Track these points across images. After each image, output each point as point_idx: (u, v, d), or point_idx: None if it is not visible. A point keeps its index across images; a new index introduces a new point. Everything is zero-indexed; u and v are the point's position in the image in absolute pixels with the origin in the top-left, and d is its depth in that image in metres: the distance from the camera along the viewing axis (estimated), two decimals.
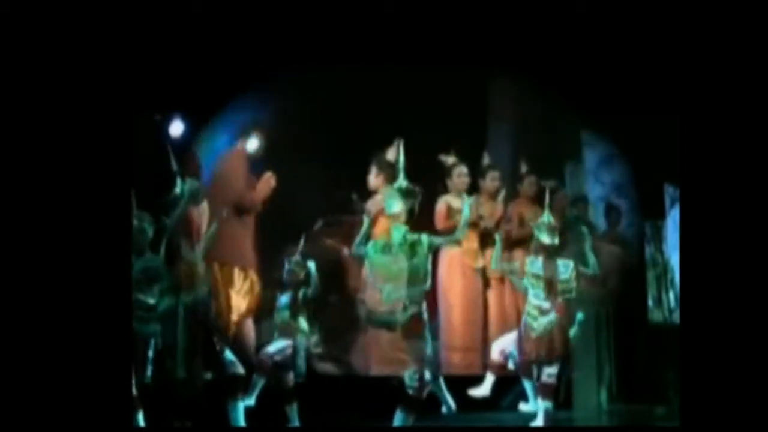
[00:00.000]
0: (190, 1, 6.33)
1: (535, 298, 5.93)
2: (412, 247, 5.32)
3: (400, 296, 5.35)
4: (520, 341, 5.98)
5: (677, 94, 4.65)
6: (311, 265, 6.21)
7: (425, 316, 5.41)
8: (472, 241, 7.43)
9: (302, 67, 7.12)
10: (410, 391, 5.39)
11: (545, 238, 5.98)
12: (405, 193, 5.47)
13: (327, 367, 7.16)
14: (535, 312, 5.93)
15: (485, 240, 7.53)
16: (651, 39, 6.77)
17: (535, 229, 6.09)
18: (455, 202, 7.35)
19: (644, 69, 7.54)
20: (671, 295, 10.30)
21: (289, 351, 6.08)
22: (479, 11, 6.90)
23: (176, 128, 7.40)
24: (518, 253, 7.32)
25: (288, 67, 7.07)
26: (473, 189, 7.53)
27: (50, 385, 4.02)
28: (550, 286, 5.91)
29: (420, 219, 5.75)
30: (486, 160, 7.75)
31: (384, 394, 6.11)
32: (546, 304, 5.91)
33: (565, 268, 5.97)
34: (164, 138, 6.93)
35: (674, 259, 10.27)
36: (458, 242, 6.48)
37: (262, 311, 6.88)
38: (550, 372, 5.92)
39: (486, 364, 6.68)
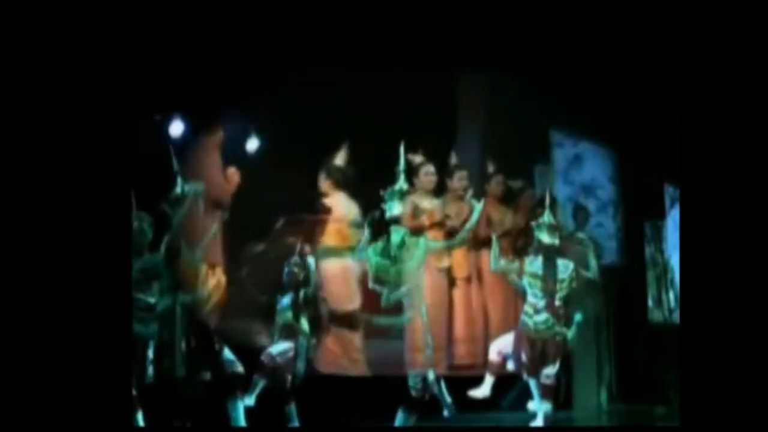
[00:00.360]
0: (190, 1, 6.33)
1: (533, 297, 5.91)
2: (410, 250, 5.35)
3: (398, 299, 5.38)
4: (518, 341, 5.97)
5: (677, 93, 4.65)
6: (311, 264, 6.22)
7: (425, 318, 5.41)
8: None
9: (301, 67, 7.11)
10: (413, 393, 5.39)
11: (545, 238, 5.96)
12: (404, 195, 5.52)
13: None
14: (531, 311, 5.91)
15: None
16: (651, 39, 6.77)
17: (535, 229, 6.07)
18: (422, 202, 7.24)
19: (644, 69, 7.55)
20: (671, 295, 10.31)
21: (291, 353, 6.08)
22: (479, 11, 6.89)
23: (176, 128, 7.39)
24: (485, 253, 7.25)
25: (288, 66, 7.07)
26: (440, 188, 7.43)
27: (50, 385, 4.02)
28: (548, 285, 5.88)
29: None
30: (453, 159, 7.61)
31: (383, 394, 6.13)
32: (542, 303, 5.88)
33: (565, 268, 5.94)
34: (165, 138, 6.93)
35: (674, 259, 10.28)
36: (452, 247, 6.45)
37: (263, 312, 6.87)
38: (548, 373, 5.90)
39: (467, 364, 6.69)
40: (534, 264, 5.92)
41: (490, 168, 7.73)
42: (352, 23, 6.79)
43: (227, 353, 5.65)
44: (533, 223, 6.16)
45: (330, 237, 7.06)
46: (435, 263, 7.33)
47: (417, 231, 5.97)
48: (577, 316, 6.07)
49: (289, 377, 6.07)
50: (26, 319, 4.02)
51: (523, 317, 5.96)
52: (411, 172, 7.25)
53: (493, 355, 6.17)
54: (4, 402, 3.95)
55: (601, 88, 8.43)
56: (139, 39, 4.77)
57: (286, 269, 6.33)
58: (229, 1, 6.55)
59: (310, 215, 6.99)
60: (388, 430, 5.66)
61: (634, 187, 9.68)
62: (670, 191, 10.38)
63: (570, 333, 5.99)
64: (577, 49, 7.30)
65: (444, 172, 7.51)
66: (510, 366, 6.09)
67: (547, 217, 6.06)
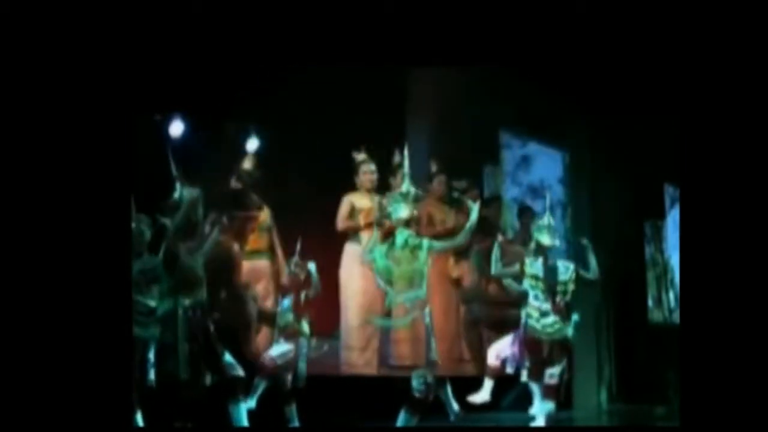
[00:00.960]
0: (190, 1, 6.32)
1: (535, 300, 5.89)
2: (413, 252, 5.39)
3: (401, 300, 5.41)
4: (522, 344, 5.95)
5: (677, 93, 4.65)
6: (311, 266, 6.22)
7: (427, 320, 5.44)
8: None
9: (302, 66, 7.12)
10: (417, 394, 5.40)
11: (545, 240, 5.95)
12: (410, 198, 5.55)
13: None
14: (536, 314, 5.88)
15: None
16: (651, 39, 6.76)
17: (534, 231, 6.07)
18: (360, 202, 7.19)
19: (645, 68, 7.55)
20: (671, 295, 10.33)
21: (292, 355, 6.08)
22: (479, 10, 6.89)
23: (176, 128, 7.39)
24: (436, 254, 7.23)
25: (289, 66, 7.07)
26: (383, 187, 7.35)
27: (50, 388, 4.02)
28: (550, 287, 5.87)
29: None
30: (397, 158, 7.48)
31: (383, 394, 6.13)
32: (546, 306, 5.87)
33: (566, 269, 5.93)
34: (164, 141, 6.92)
35: (674, 259, 10.29)
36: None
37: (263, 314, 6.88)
38: (552, 372, 5.88)
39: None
40: (534, 266, 5.91)
41: (433, 167, 7.65)
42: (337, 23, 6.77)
43: (227, 357, 5.66)
44: (532, 226, 6.15)
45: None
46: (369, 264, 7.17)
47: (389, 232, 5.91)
48: (575, 316, 6.05)
49: (290, 378, 6.08)
50: (25, 321, 4.02)
51: (529, 321, 5.91)
52: (352, 170, 7.22)
53: (492, 360, 6.14)
54: (5, 404, 3.95)
55: (601, 87, 8.45)
56: (138, 39, 4.76)
57: (286, 270, 6.33)
58: (229, 1, 6.55)
59: (241, 212, 6.94)
60: (389, 430, 5.66)
61: (634, 186, 9.69)
62: (670, 191, 10.40)
63: (569, 332, 5.98)
64: (577, 49, 7.30)
65: (387, 170, 7.44)
66: (509, 369, 6.07)
67: (546, 219, 6.05)
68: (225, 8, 6.40)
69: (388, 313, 5.54)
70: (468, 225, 5.75)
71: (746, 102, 4.40)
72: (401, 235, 5.46)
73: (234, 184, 7.20)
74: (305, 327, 6.16)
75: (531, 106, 8.76)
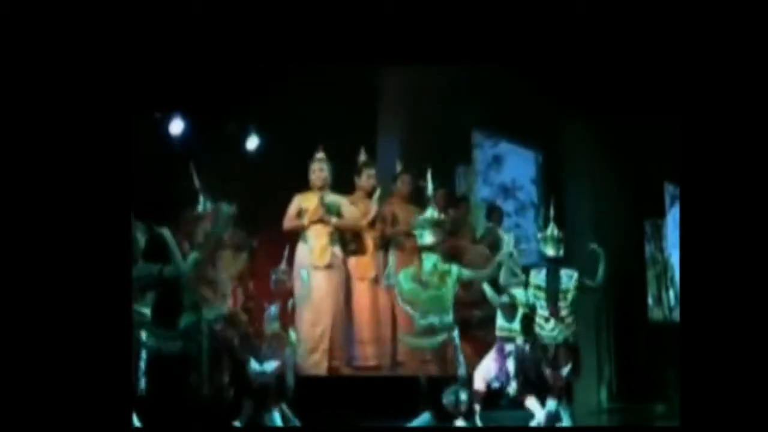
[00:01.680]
0: (190, 1, 6.33)
1: (540, 309, 5.95)
2: (442, 278, 5.53)
3: (429, 323, 5.54)
4: (525, 352, 6.00)
5: (677, 92, 4.65)
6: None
7: (456, 341, 5.60)
8: (321, 238, 7.06)
9: (303, 66, 7.12)
10: (447, 408, 5.55)
11: (549, 251, 5.99)
12: (435, 223, 5.71)
13: None
14: (541, 321, 5.94)
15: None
16: (651, 38, 6.76)
17: (540, 242, 6.13)
18: (306, 201, 7.12)
19: (644, 68, 7.55)
20: (671, 293, 10.34)
21: (277, 370, 5.94)
22: (479, 9, 6.88)
23: (176, 128, 7.40)
24: (390, 253, 7.20)
25: (291, 66, 7.07)
26: (350, 187, 7.38)
27: (49, 393, 4.02)
28: (552, 296, 5.92)
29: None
30: (362, 157, 7.46)
31: (384, 394, 6.14)
32: (547, 313, 5.92)
33: (569, 278, 5.98)
34: (186, 154, 6.91)
35: (674, 257, 10.30)
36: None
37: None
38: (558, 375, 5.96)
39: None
40: (538, 277, 5.96)
41: (398, 167, 7.61)
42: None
43: (254, 364, 5.66)
44: (538, 236, 6.22)
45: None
46: (316, 262, 7.00)
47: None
48: (572, 320, 6.10)
49: (278, 390, 5.94)
50: (24, 323, 4.02)
51: (536, 328, 5.99)
52: (307, 169, 7.18)
53: (479, 385, 6.09)
54: (5, 405, 3.96)
55: (601, 87, 8.45)
56: (138, 38, 4.76)
57: (273, 277, 6.28)
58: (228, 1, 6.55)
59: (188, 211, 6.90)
60: (389, 430, 5.67)
61: (634, 186, 9.70)
62: (669, 190, 10.41)
63: (573, 335, 6.02)
64: (577, 49, 7.30)
65: (353, 170, 7.42)
66: (495, 384, 6.05)
67: (551, 231, 6.09)
68: (225, 8, 6.40)
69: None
70: (498, 257, 5.83)
71: (746, 102, 4.40)
72: (429, 260, 5.58)
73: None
74: (292, 336, 6.10)
75: (507, 106, 8.77)
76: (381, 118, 8.46)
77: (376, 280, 7.22)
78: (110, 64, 4.31)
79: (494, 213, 7.74)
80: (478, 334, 6.49)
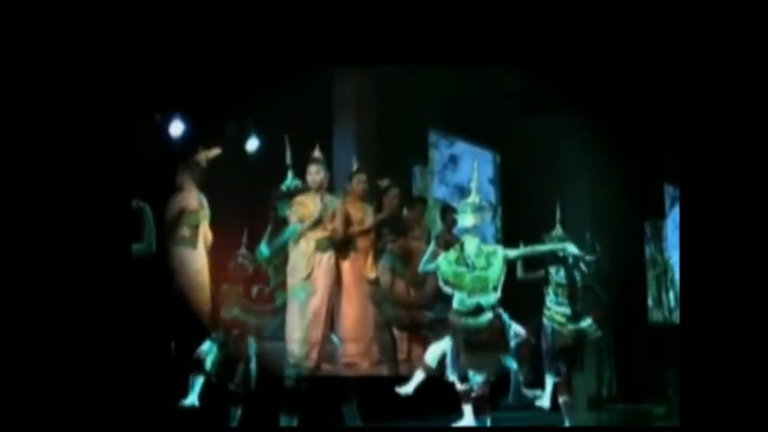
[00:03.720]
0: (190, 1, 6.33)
1: (559, 306, 6.33)
2: (488, 258, 5.62)
3: (474, 303, 5.60)
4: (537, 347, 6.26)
5: (678, 93, 4.65)
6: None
7: (504, 318, 5.67)
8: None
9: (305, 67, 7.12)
10: (477, 391, 5.63)
11: (572, 249, 6.26)
12: (476, 209, 5.76)
13: None
14: (563, 319, 6.32)
15: None
16: (651, 38, 6.76)
17: (546, 242, 6.38)
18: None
19: (645, 68, 7.54)
20: (671, 294, 10.34)
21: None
22: (478, 8, 6.88)
23: (176, 128, 7.40)
24: (345, 253, 7.20)
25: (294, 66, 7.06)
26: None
27: (47, 390, 4.02)
28: (573, 293, 6.33)
29: None
30: (316, 153, 7.45)
31: (383, 394, 6.14)
32: (569, 311, 6.33)
33: (581, 276, 6.39)
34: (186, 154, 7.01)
35: (674, 258, 10.30)
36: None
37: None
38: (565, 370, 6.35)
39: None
40: (558, 274, 6.34)
41: (354, 166, 7.56)
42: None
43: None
44: (544, 236, 6.39)
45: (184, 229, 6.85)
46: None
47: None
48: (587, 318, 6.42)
49: (237, 379, 5.95)
50: (22, 320, 4.02)
51: (551, 323, 6.36)
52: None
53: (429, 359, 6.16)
54: (6, 405, 3.96)
55: (601, 87, 8.45)
56: (138, 38, 4.77)
57: (232, 262, 6.23)
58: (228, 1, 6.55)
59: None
60: (389, 431, 5.68)
61: (634, 186, 9.70)
62: (670, 191, 10.41)
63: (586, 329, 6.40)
64: (577, 49, 7.30)
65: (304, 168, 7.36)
66: (452, 377, 6.08)
67: (557, 231, 6.44)
68: (224, 8, 6.41)
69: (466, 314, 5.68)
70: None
71: (746, 102, 4.40)
72: (470, 244, 5.67)
73: (181, 175, 7.01)
74: (252, 321, 6.08)
75: (461, 106, 8.81)
76: (337, 117, 8.48)
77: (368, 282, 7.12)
78: (110, 65, 4.31)
79: (448, 213, 7.69)
80: (429, 336, 6.52)
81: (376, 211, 7.10)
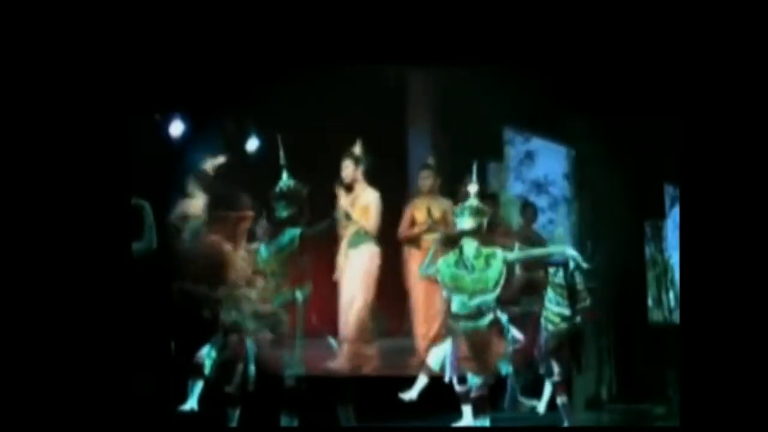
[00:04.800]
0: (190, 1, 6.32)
1: (557, 306, 6.34)
2: (487, 260, 5.64)
3: (475, 305, 5.62)
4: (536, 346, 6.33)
5: (678, 93, 4.65)
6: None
7: (503, 321, 5.69)
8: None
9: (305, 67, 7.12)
10: (477, 392, 5.64)
11: (571, 252, 6.18)
12: (475, 212, 5.79)
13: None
14: (557, 319, 6.35)
15: None
16: (651, 38, 6.76)
17: (557, 242, 6.51)
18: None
19: (645, 68, 7.54)
20: (671, 294, 10.32)
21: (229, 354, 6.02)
22: (478, 8, 6.88)
23: (176, 128, 7.40)
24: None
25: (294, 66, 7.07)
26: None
27: (46, 393, 4.02)
28: (571, 294, 6.34)
29: None
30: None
31: (383, 394, 6.13)
32: (567, 312, 6.35)
33: (581, 278, 6.38)
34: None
35: (674, 258, 10.28)
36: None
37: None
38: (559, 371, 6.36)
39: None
40: (558, 275, 6.34)
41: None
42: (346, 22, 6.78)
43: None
44: (555, 233, 6.45)
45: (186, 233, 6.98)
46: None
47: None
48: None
49: (235, 381, 5.95)
50: (22, 320, 4.02)
51: (547, 323, 6.38)
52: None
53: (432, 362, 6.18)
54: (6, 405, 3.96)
55: (601, 87, 8.44)
56: (138, 38, 4.77)
57: (232, 262, 6.27)
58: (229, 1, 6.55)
59: (232, 212, 6.95)
60: (389, 430, 5.68)
61: (634, 187, 9.68)
62: (670, 191, 10.39)
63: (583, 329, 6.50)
64: (577, 49, 7.30)
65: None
66: (450, 375, 6.11)
67: (558, 232, 6.71)
68: (224, 8, 6.40)
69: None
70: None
71: (746, 102, 4.40)
72: (469, 245, 5.68)
73: (352, 171, 7.22)
74: (251, 325, 6.11)
75: (534, 102, 8.79)
76: (410, 115, 8.55)
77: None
78: (110, 65, 4.31)
79: (528, 209, 7.82)
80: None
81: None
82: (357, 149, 7.20)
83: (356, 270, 7.06)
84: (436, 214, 7.37)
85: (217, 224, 6.48)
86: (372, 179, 7.25)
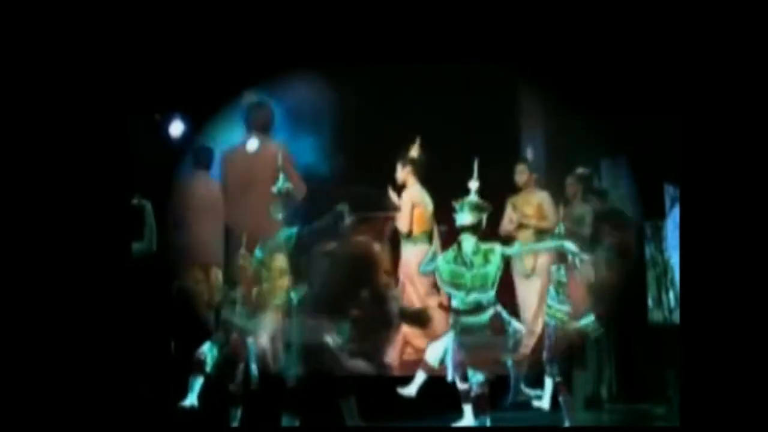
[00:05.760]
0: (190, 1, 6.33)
1: (560, 304, 6.30)
2: (486, 256, 5.68)
3: (474, 300, 5.64)
4: (543, 344, 6.30)
5: (678, 94, 4.65)
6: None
7: (504, 315, 5.70)
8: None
9: (308, 67, 7.12)
10: (478, 391, 5.63)
11: (570, 246, 6.21)
12: (475, 208, 5.83)
13: (358, 364, 7.09)
14: (564, 317, 6.30)
15: None
16: (651, 38, 6.77)
17: (556, 239, 6.39)
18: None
19: (645, 69, 7.55)
20: (671, 294, 10.31)
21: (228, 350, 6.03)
22: (478, 10, 6.89)
23: (176, 128, 7.40)
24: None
25: (295, 66, 7.07)
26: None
27: (47, 391, 4.02)
28: (570, 290, 6.31)
29: None
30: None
31: (384, 394, 6.13)
32: (571, 309, 6.32)
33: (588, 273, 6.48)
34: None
35: (674, 258, 10.27)
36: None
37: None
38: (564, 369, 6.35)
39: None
40: (559, 272, 6.29)
41: (528, 154, 7.92)
42: (390, 22, 6.84)
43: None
44: (555, 232, 6.45)
45: (415, 225, 7.49)
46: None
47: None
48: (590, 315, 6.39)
49: (237, 379, 5.96)
50: (22, 320, 4.02)
51: (551, 320, 6.32)
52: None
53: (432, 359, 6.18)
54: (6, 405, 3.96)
55: (601, 87, 8.43)
56: (138, 38, 4.77)
57: (235, 264, 6.29)
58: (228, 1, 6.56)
59: (380, 212, 7.00)
60: (388, 430, 5.68)
61: (634, 187, 9.67)
62: (670, 191, 10.37)
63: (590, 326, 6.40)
64: (577, 49, 7.30)
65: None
66: (452, 376, 6.12)
67: (558, 228, 6.45)
68: (224, 8, 6.41)
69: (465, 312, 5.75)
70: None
71: (746, 102, 4.40)
72: (468, 241, 5.71)
73: (402, 171, 7.55)
74: (251, 326, 6.09)
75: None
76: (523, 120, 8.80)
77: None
78: (110, 65, 4.32)
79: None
80: None
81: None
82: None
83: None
84: (529, 210, 7.77)
85: (365, 225, 6.54)
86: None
